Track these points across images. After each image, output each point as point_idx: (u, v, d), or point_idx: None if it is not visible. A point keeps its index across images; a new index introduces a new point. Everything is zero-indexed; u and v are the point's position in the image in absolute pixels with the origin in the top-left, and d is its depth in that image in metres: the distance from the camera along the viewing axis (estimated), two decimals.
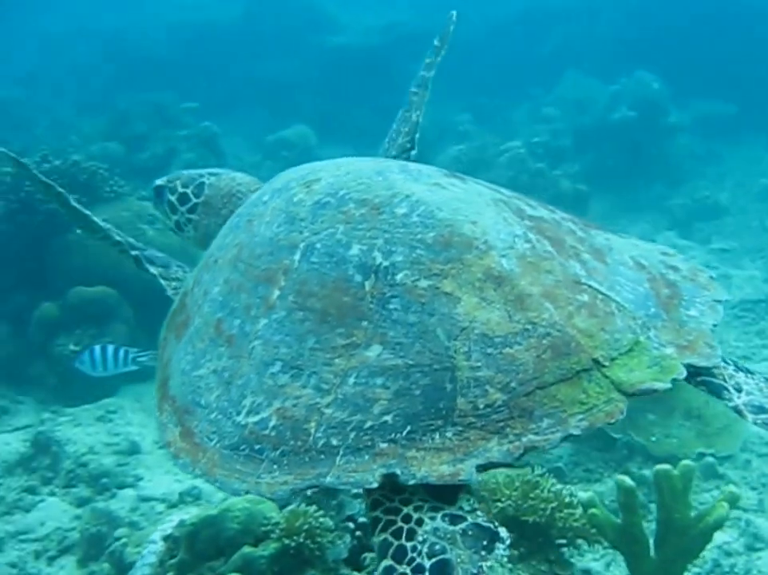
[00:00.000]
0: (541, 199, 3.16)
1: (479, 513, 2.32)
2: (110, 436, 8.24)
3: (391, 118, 4.46)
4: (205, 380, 2.81)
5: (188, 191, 3.81)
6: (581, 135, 17.43)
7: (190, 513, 6.45)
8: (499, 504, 4.16)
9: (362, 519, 4.24)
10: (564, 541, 4.20)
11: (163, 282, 3.47)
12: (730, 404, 2.64)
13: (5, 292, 9.21)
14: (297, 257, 2.72)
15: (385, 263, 2.57)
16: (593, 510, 3.66)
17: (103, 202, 9.54)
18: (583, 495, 3.83)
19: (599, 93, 18.90)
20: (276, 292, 2.71)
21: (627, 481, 3.56)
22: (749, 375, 2.76)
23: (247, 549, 4.10)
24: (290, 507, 4.29)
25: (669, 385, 2.40)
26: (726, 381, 2.68)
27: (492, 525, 2.26)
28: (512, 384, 2.34)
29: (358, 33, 23.98)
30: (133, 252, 3.47)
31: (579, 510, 4.08)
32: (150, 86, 19.98)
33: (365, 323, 2.51)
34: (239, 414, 2.61)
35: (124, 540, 6.08)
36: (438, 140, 16.96)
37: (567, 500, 4.21)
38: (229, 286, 2.92)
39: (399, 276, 2.54)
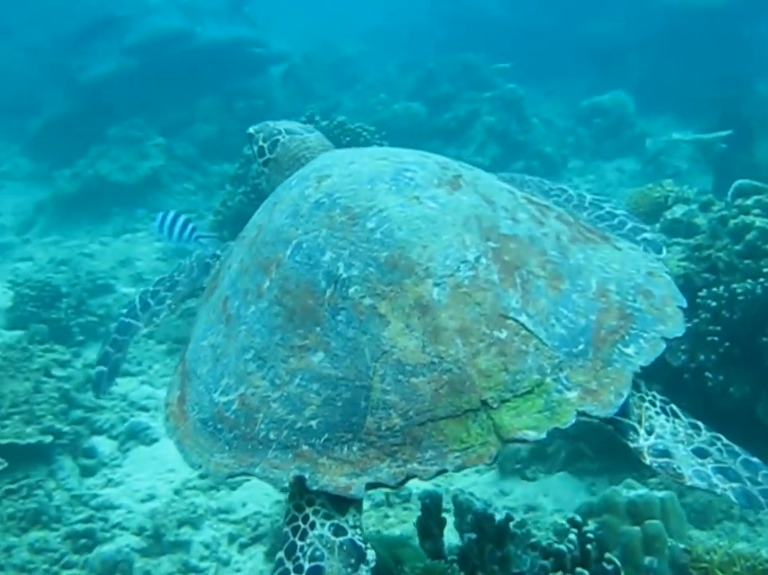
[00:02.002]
0: None
1: (358, 530, 2.53)
2: None
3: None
4: (204, 352, 3.06)
5: (265, 146, 3.94)
6: None
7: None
8: None
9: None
10: None
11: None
12: (632, 445, 2.66)
13: None
14: (288, 252, 2.90)
15: (344, 275, 2.73)
16: None
17: None
18: None
19: None
20: (267, 283, 2.91)
21: None
22: (671, 419, 2.78)
23: None
24: None
25: (543, 436, 2.46)
26: (639, 422, 2.72)
27: (363, 546, 2.49)
28: (410, 413, 2.49)
29: None
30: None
31: None
32: (470, 47, 19.53)
33: (318, 329, 2.69)
34: (216, 391, 2.87)
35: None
36: None
37: None
38: (241, 266, 3.14)
39: (351, 290, 2.70)
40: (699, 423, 2.81)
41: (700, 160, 14.23)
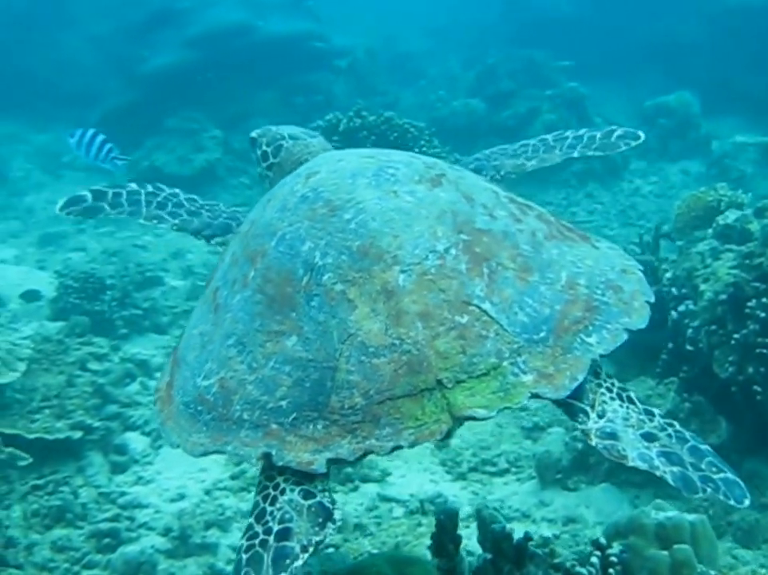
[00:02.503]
0: None
1: (327, 493, 2.62)
2: None
3: None
4: (194, 340, 3.16)
5: (269, 150, 3.99)
6: None
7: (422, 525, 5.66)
8: None
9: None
10: None
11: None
12: (580, 427, 2.74)
13: None
14: (273, 244, 3.01)
15: (320, 263, 2.85)
16: None
17: None
18: None
19: None
20: (252, 272, 3.02)
21: None
22: (625, 405, 2.86)
23: None
24: None
25: (493, 414, 2.57)
26: (592, 406, 2.79)
27: (331, 506, 2.58)
28: (371, 392, 2.61)
29: None
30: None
31: None
32: (534, 44, 19.23)
33: (293, 315, 2.81)
34: (199, 376, 2.97)
35: (344, 548, 5.48)
36: None
37: None
38: (232, 258, 3.25)
39: (324, 277, 2.82)
40: (655, 410, 2.89)
41: (765, 164, 13.80)
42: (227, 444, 2.75)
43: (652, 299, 3.07)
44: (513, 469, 6.89)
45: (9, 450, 5.93)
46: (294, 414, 2.67)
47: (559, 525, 6.06)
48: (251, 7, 19.12)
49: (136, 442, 7.04)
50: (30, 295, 10.27)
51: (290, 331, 2.80)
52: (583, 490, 6.40)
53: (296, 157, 3.92)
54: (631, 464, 2.68)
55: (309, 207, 3.05)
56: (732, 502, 2.60)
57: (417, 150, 8.84)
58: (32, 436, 6.24)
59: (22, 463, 5.95)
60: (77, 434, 6.49)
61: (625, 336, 2.87)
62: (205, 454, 2.82)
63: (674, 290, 7.13)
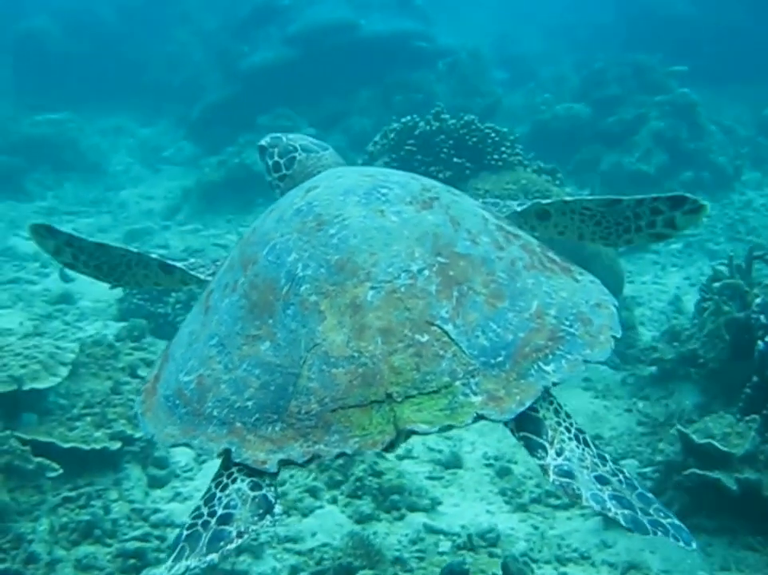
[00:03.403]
0: None
1: (272, 488, 2.72)
2: (437, 440, 7.13)
3: None
4: (184, 337, 3.29)
5: (281, 162, 4.09)
6: None
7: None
8: None
9: None
10: None
11: (192, 272, 3.70)
12: (539, 462, 2.76)
13: None
14: (264, 252, 3.12)
15: (301, 274, 2.95)
16: None
17: (488, 170, 8.25)
18: None
19: None
20: (242, 278, 3.13)
21: None
22: (581, 446, 2.87)
23: None
24: None
25: (434, 430, 2.65)
26: (551, 443, 2.82)
27: (273, 501, 2.68)
28: (326, 399, 2.72)
29: None
30: (153, 256, 3.79)
31: None
32: (651, 47, 18.46)
33: (270, 321, 2.92)
34: (182, 371, 3.08)
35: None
36: None
37: None
38: (230, 263, 3.36)
39: (302, 288, 2.92)
40: (607, 455, 2.91)
41: None
42: (195, 438, 2.88)
43: (619, 335, 3.10)
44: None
45: (39, 460, 5.58)
46: (257, 415, 2.81)
47: (619, 572, 5.51)
48: (356, 6, 18.91)
49: (179, 455, 6.69)
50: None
51: (266, 336, 2.93)
52: None
53: (309, 170, 4.01)
54: (584, 504, 2.67)
55: (301, 220, 3.16)
56: (681, 544, 2.67)
57: (496, 157, 8.35)
58: (67, 445, 5.94)
59: (51, 474, 5.62)
60: (116, 445, 6.12)
61: (582, 367, 2.92)
62: (175, 445, 2.95)
63: (762, 318, 6.48)
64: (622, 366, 8.51)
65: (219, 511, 2.70)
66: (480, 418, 2.70)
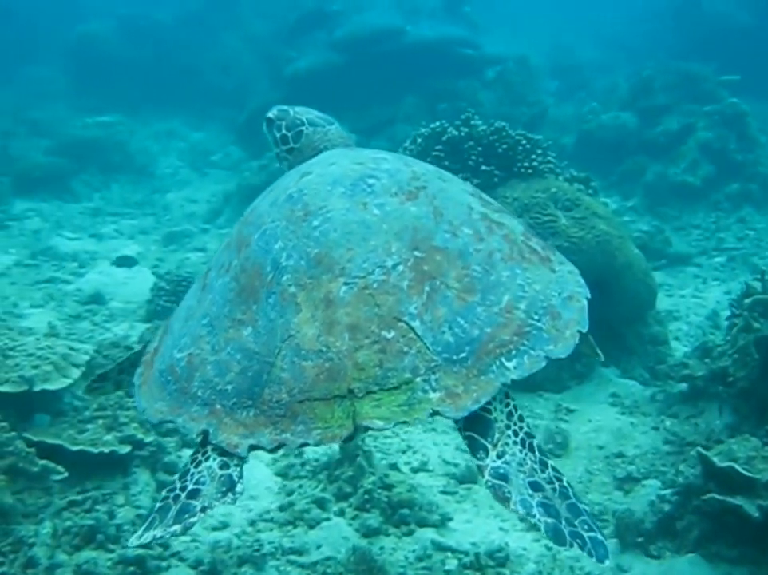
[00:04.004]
0: None
1: (238, 469, 2.90)
2: (458, 451, 6.98)
3: None
4: (182, 312, 3.43)
5: (289, 135, 4.17)
6: None
7: None
8: None
9: None
10: None
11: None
12: (477, 462, 2.86)
13: None
14: (256, 236, 3.22)
15: (284, 264, 3.07)
16: None
17: (517, 177, 8.04)
18: None
19: None
20: (235, 260, 3.24)
21: None
22: (524, 451, 2.93)
23: None
24: None
25: (389, 426, 2.76)
26: (494, 445, 2.89)
27: (237, 480, 2.86)
28: (295, 391, 2.85)
29: None
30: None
31: None
32: (705, 56, 18.12)
33: (254, 307, 3.07)
34: (176, 347, 3.24)
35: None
36: None
37: None
38: (226, 243, 3.48)
39: (283, 278, 3.04)
40: (549, 462, 2.95)
41: None
42: (179, 416, 3.05)
43: (585, 329, 3.15)
44: None
45: (44, 462, 5.55)
46: (235, 399, 2.95)
47: None
48: (403, 12, 18.85)
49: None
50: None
51: (249, 321, 3.05)
52: (668, 559, 5.55)
53: (315, 144, 4.11)
54: (512, 507, 2.73)
55: (290, 207, 3.26)
56: (594, 559, 2.68)
57: (526, 165, 8.18)
58: (75, 448, 5.92)
59: (57, 477, 5.60)
60: (125, 449, 6.08)
61: (543, 364, 2.97)
62: (162, 421, 3.12)
63: None
64: (652, 382, 8.29)
65: (190, 486, 2.89)
66: (435, 414, 2.79)
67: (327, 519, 5.96)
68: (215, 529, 5.89)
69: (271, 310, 3.01)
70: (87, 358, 6.60)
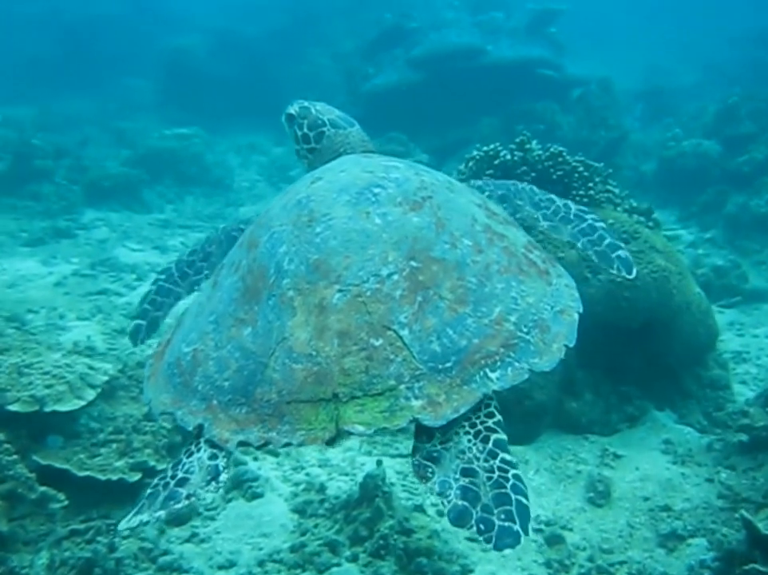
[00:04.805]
0: None
1: (225, 461, 3.02)
2: None
3: None
4: (194, 307, 3.59)
5: (311, 135, 4.18)
6: None
7: None
8: None
9: None
10: None
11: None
12: (415, 442, 2.95)
13: None
14: (265, 239, 3.35)
15: (285, 268, 3.16)
16: None
17: None
18: None
19: None
20: (244, 260, 3.38)
21: None
22: (473, 441, 2.93)
23: None
24: None
25: (370, 432, 2.83)
26: (442, 433, 2.94)
27: (222, 471, 2.98)
28: (284, 392, 2.94)
29: None
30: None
31: None
32: None
33: (256, 308, 3.17)
34: (184, 341, 3.38)
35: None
36: None
37: None
38: (240, 242, 3.61)
39: (284, 282, 3.13)
40: (502, 455, 2.91)
41: None
42: (179, 409, 3.17)
43: (572, 344, 3.19)
44: None
45: (43, 489, 5.28)
46: (230, 396, 3.06)
47: None
48: (484, 31, 18.54)
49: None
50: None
51: (250, 321, 3.15)
52: None
53: (336, 146, 4.15)
54: (427, 485, 2.81)
55: (297, 212, 3.33)
56: (490, 545, 2.64)
57: (582, 193, 7.72)
58: (82, 473, 5.69)
59: (56, 505, 5.37)
60: (135, 477, 5.81)
61: (526, 376, 3.02)
62: (164, 413, 3.21)
63: None
64: (710, 430, 7.68)
65: (179, 475, 3.01)
66: (414, 421, 2.86)
67: (338, 565, 5.59)
68: (221, 567, 5.62)
69: (269, 311, 3.11)
70: (106, 378, 6.38)
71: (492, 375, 2.98)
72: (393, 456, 6.99)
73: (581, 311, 3.37)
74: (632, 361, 7.66)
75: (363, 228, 3.22)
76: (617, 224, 7.50)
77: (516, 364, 3.03)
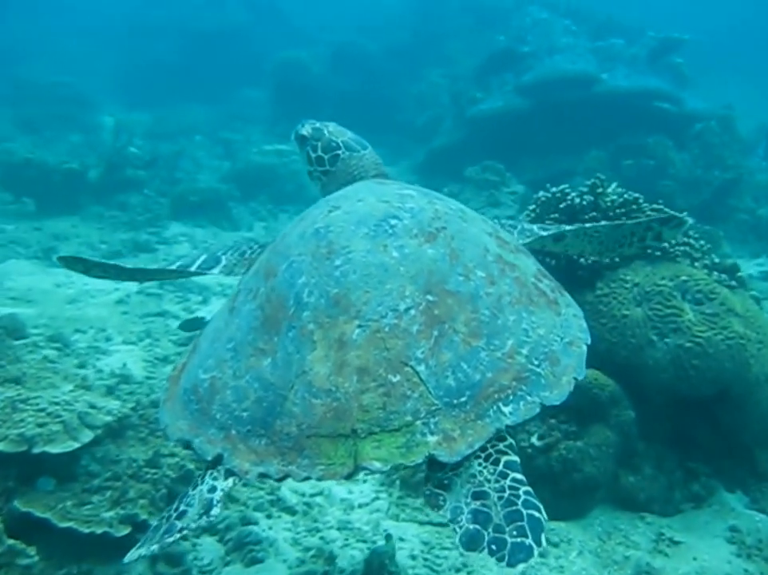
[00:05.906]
0: None
1: (221, 494, 3.00)
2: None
3: None
4: (210, 332, 3.56)
5: (325, 158, 4.25)
6: None
7: None
8: None
9: None
10: None
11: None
12: (428, 472, 2.95)
13: None
14: (283, 267, 3.35)
15: (305, 300, 3.16)
16: None
17: (644, 258, 6.63)
18: None
19: None
20: (262, 288, 3.37)
21: None
22: (483, 464, 2.93)
23: None
24: None
25: (386, 468, 2.83)
26: (467, 480, 2.88)
27: (215, 505, 2.97)
28: (303, 425, 2.94)
29: None
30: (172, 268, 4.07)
31: None
32: None
33: (275, 339, 3.16)
34: (201, 367, 3.36)
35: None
36: None
37: None
38: (258, 266, 3.61)
39: (304, 314, 3.13)
40: (518, 476, 2.89)
41: None
42: (197, 436, 3.17)
43: (581, 377, 3.20)
44: None
45: (11, 542, 4.74)
46: (249, 427, 3.06)
47: None
48: (600, 58, 17.65)
49: (205, 550, 5.79)
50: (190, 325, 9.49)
51: (270, 352, 3.14)
52: None
53: (350, 170, 4.20)
54: (440, 513, 2.79)
55: (316, 243, 3.34)
56: (503, 564, 2.57)
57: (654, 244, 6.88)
58: (63, 524, 5.17)
59: (24, 562, 4.86)
60: (123, 531, 5.19)
61: (537, 410, 3.02)
62: (181, 439, 3.21)
63: None
64: None
65: (181, 507, 3.01)
66: (431, 457, 2.86)
67: None
68: None
69: (289, 343, 3.10)
70: (109, 419, 5.86)
71: (506, 410, 3.00)
72: (422, 523, 6.29)
73: (589, 342, 3.41)
74: (701, 435, 6.81)
75: (381, 262, 3.24)
76: (691, 281, 6.66)
77: (528, 398, 3.05)
